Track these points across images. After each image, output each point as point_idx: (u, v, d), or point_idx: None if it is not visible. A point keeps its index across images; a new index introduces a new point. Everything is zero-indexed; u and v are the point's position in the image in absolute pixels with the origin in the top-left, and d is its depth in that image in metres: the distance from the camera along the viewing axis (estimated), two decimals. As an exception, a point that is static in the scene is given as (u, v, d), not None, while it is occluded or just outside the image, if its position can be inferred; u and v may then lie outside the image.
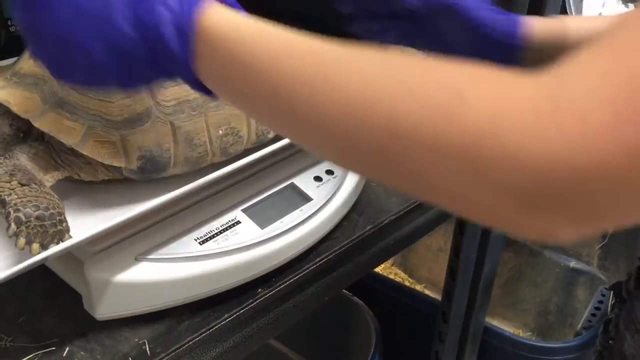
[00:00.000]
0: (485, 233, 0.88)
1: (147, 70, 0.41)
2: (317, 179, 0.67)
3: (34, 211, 0.49)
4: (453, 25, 0.53)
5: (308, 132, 0.39)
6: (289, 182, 0.65)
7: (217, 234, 0.59)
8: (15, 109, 0.56)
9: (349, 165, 0.40)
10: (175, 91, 0.58)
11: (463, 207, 0.35)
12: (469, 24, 0.52)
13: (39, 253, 0.49)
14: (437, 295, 1.57)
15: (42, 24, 0.41)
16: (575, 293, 1.42)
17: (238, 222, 0.60)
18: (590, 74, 0.29)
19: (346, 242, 0.67)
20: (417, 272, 1.62)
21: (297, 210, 0.63)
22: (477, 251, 0.90)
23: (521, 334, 1.48)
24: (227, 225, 0.60)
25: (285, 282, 0.62)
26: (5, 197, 0.50)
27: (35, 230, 0.49)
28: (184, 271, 0.55)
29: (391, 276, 1.59)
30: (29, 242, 0.49)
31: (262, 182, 0.65)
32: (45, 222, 0.49)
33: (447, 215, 0.80)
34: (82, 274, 0.53)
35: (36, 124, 0.56)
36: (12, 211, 0.49)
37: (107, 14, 0.39)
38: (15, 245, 0.49)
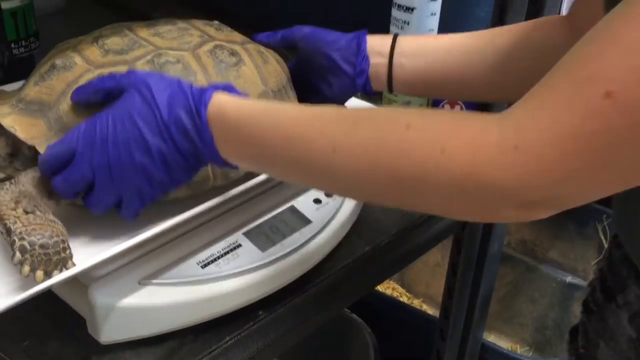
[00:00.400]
0: (482, 252, 0.89)
1: (185, 163, 0.53)
2: (317, 201, 0.68)
3: (38, 239, 0.50)
4: (315, 51, 0.71)
5: (327, 186, 0.51)
6: (288, 204, 0.66)
7: (218, 258, 0.60)
8: (21, 135, 0.57)
9: (360, 200, 0.55)
10: None
11: (458, 216, 0.47)
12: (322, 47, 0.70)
13: (42, 280, 0.50)
14: (434, 310, 1.58)
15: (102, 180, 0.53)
16: (572, 308, 1.43)
17: (239, 246, 0.61)
18: (540, 120, 0.40)
19: (345, 263, 0.68)
20: (415, 286, 1.63)
21: (297, 233, 0.64)
22: (474, 269, 0.91)
23: (519, 349, 1.48)
24: (228, 249, 0.61)
25: (286, 304, 0.63)
26: (11, 225, 0.51)
27: (39, 259, 0.50)
28: (187, 295, 0.56)
29: (389, 291, 1.60)
30: (33, 270, 0.50)
31: (262, 205, 0.66)
32: (49, 250, 0.50)
33: (444, 235, 0.82)
34: (86, 298, 0.54)
35: (41, 150, 0.57)
36: (17, 239, 0.50)
37: (139, 136, 0.51)
38: (20, 272, 0.50)
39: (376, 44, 0.71)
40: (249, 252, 0.61)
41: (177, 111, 0.51)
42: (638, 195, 0.52)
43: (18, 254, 0.50)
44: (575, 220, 1.41)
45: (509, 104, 0.43)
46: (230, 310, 0.59)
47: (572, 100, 0.38)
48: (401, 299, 1.61)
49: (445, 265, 0.99)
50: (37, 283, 0.50)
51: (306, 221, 0.65)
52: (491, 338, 1.52)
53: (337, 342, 1.15)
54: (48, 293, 0.58)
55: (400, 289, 1.64)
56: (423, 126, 0.44)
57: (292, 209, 0.66)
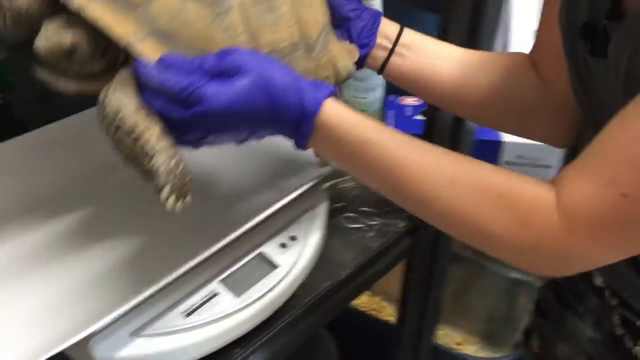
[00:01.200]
0: (431, 271, 1.00)
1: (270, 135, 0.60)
2: (282, 245, 0.77)
3: (177, 164, 0.52)
4: (335, 7, 0.72)
5: (413, 212, 0.59)
6: (257, 251, 0.75)
7: (200, 306, 0.68)
8: (114, 32, 0.54)
9: (431, 223, 0.60)
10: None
11: (520, 267, 0.60)
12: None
13: (177, 208, 0.53)
14: (395, 306, 1.69)
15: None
16: (517, 301, 1.56)
17: (217, 294, 0.70)
18: (581, 210, 0.52)
19: (310, 298, 0.78)
20: (376, 284, 1.74)
21: (267, 278, 0.73)
22: (425, 286, 1.02)
23: (470, 340, 1.61)
24: (207, 297, 0.69)
25: (258, 340, 0.72)
26: (156, 145, 0.51)
27: (178, 183, 0.52)
28: (174, 344, 0.65)
29: (350, 291, 1.71)
30: (172, 193, 0.52)
31: (234, 253, 0.73)
32: (184, 176, 0.53)
33: (397, 261, 0.92)
34: (86, 352, 0.62)
35: (137, 49, 0.55)
36: (160, 161, 0.51)
37: (274, 103, 0.56)
38: (161, 196, 0.52)
39: (385, 27, 0.74)
40: (225, 298, 0.69)
41: (286, 109, 0.56)
42: None
43: (163, 176, 0.51)
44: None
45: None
46: (211, 352, 0.68)
47: (601, 197, 0.52)
48: (361, 297, 1.72)
49: (402, 265, 1.09)
50: (170, 209, 0.53)
51: (274, 265, 0.74)
52: (445, 331, 1.64)
53: (300, 352, 1.25)
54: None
55: (361, 288, 1.75)
56: (511, 196, 0.54)
57: (261, 255, 0.75)
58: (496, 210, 0.54)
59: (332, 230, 0.84)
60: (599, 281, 0.71)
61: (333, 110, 0.57)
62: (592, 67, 0.62)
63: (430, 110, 0.89)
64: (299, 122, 0.57)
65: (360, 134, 0.57)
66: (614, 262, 0.55)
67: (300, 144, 0.59)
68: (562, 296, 0.77)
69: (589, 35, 0.61)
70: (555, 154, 0.96)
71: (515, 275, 1.56)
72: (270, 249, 0.76)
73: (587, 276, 0.72)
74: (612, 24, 0.58)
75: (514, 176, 0.56)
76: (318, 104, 0.56)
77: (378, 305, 1.69)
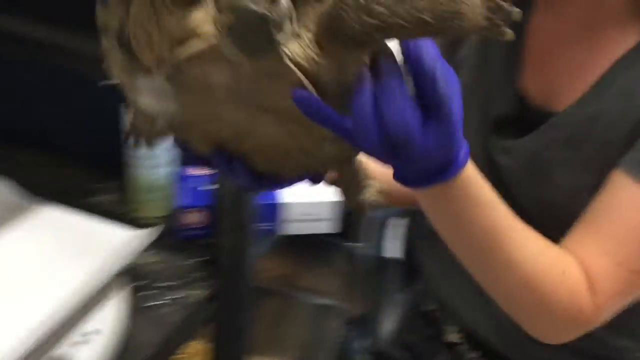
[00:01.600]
0: (237, 329, 1.07)
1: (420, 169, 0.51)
2: (83, 341, 0.78)
3: None
4: None
5: (484, 269, 0.63)
6: (57, 352, 0.76)
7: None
8: None
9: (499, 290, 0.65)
10: None
11: (543, 334, 0.67)
12: None
13: None
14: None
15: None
16: (327, 324, 1.70)
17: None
18: (604, 296, 0.63)
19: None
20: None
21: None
22: (231, 341, 1.09)
23: (289, 367, 1.72)
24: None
25: None
26: None
27: None
28: None
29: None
30: None
31: (32, 359, 0.74)
32: None
33: (199, 330, 0.98)
34: None
35: None
36: None
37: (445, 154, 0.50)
38: None
39: None
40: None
41: (450, 144, 0.48)
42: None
43: None
44: (319, 252, 1.68)
45: None
46: None
47: (616, 276, 0.62)
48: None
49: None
50: None
51: (76, 364, 0.76)
52: (265, 361, 1.74)
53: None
54: None
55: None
56: (568, 273, 0.62)
57: (61, 357, 0.76)
58: (559, 285, 0.62)
59: (136, 311, 0.87)
60: (452, 337, 0.83)
61: (472, 167, 0.54)
62: (511, 148, 0.72)
63: (218, 179, 0.95)
64: (448, 164, 0.50)
65: (486, 195, 0.57)
66: None
67: (423, 184, 0.52)
68: (416, 352, 0.88)
69: (507, 122, 0.72)
70: (327, 209, 1.08)
71: (321, 301, 1.69)
72: (70, 347, 0.77)
73: (438, 333, 0.83)
74: (542, 114, 0.70)
75: (563, 251, 0.64)
76: (467, 155, 0.52)
77: (195, 349, 1.73)
